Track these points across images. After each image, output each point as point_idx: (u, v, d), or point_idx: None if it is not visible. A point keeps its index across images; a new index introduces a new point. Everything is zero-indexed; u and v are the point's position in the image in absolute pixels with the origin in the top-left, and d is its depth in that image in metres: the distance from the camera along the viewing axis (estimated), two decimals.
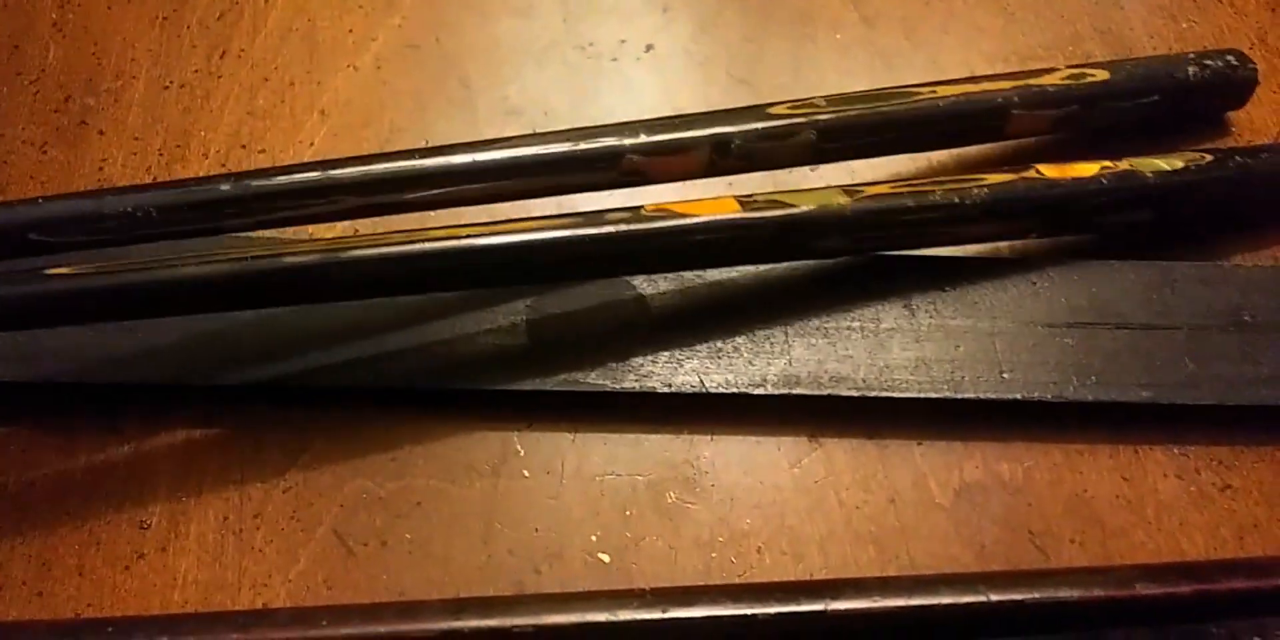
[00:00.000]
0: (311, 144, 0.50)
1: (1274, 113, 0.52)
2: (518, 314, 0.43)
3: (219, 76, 0.52)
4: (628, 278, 0.44)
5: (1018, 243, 0.47)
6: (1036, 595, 0.34)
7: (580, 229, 0.39)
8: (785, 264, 0.45)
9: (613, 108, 0.52)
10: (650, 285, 0.44)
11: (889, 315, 0.44)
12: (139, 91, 0.51)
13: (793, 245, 0.43)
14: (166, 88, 0.52)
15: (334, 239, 0.41)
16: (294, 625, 0.32)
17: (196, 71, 0.52)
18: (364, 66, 0.53)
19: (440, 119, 0.51)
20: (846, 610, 0.33)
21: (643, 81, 0.53)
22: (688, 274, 0.44)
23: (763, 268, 0.45)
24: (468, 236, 0.38)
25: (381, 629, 0.32)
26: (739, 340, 0.43)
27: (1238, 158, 0.47)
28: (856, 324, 0.44)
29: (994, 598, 0.34)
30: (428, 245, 0.38)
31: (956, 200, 0.42)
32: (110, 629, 0.33)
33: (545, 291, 0.44)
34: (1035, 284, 0.45)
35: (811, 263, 0.45)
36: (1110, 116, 0.48)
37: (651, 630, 0.33)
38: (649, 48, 0.54)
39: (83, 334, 0.42)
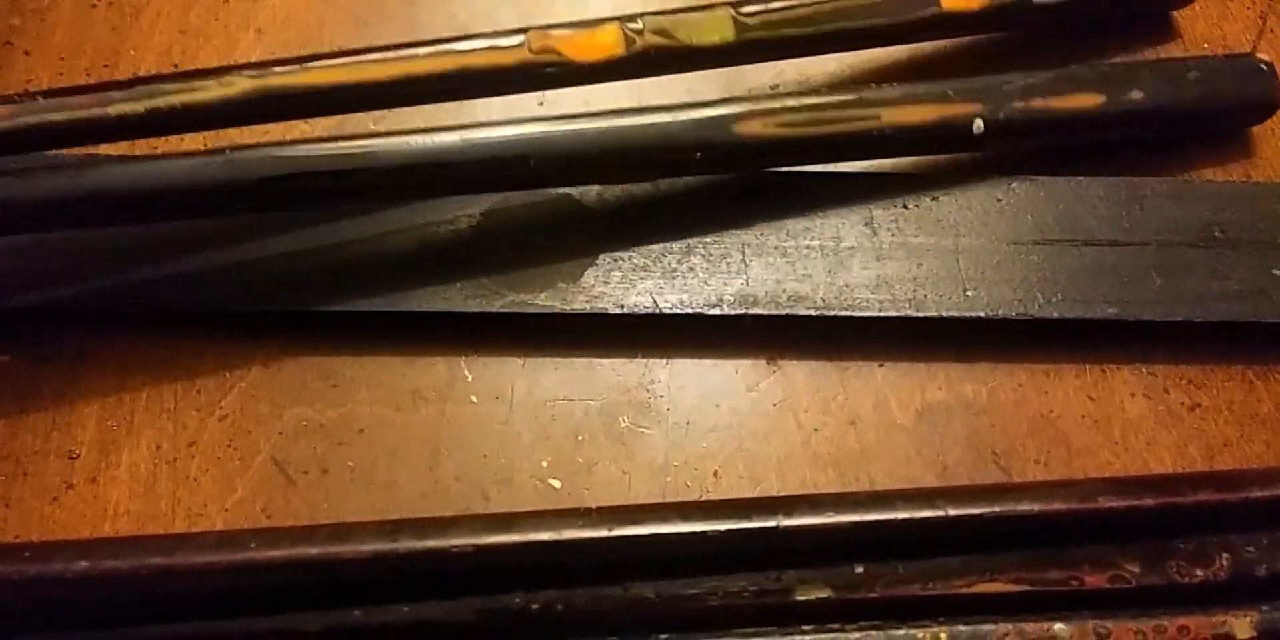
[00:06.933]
0: None
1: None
2: (461, 234, 0.41)
3: None
4: (576, 193, 0.42)
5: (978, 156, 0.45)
6: (996, 510, 0.33)
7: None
8: (743, 179, 0.43)
9: None
10: (601, 202, 0.42)
11: (849, 233, 0.42)
12: (65, 10, 0.49)
13: None
14: (94, 6, 0.49)
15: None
16: (221, 549, 0.30)
17: None
18: None
19: (383, 37, 0.47)
20: (800, 526, 0.32)
21: None
22: (639, 191, 0.42)
23: (719, 184, 0.43)
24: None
25: (313, 551, 0.31)
26: (694, 260, 0.41)
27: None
28: (816, 242, 0.42)
29: (952, 512, 0.33)
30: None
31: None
32: (27, 554, 0.31)
33: (489, 209, 0.42)
34: (1001, 200, 0.43)
35: (769, 178, 0.43)
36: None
37: (598, 549, 0.32)
38: None
39: (7, 259, 0.40)
